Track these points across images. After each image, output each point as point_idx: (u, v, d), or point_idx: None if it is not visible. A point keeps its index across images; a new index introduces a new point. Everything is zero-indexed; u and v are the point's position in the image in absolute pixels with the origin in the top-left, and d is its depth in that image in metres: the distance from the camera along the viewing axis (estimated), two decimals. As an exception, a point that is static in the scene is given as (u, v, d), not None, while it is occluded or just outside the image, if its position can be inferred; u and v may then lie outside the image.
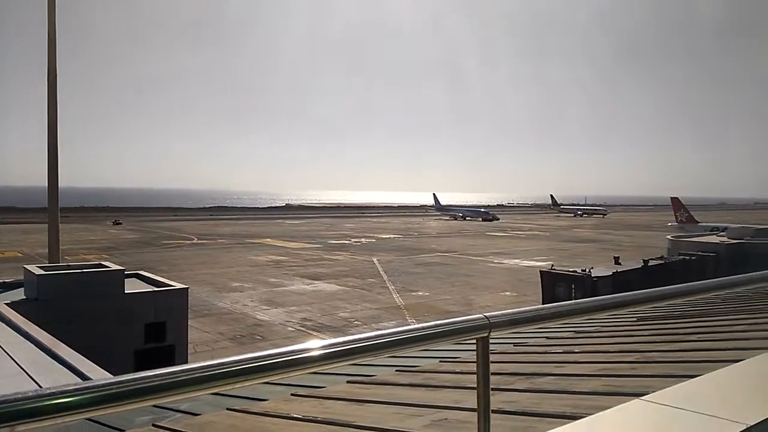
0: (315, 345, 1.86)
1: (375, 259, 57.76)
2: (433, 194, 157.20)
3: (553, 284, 31.66)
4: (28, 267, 18.40)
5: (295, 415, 4.42)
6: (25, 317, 14.06)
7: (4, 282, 20.12)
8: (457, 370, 5.96)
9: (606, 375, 4.85)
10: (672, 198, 77.00)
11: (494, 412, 2.71)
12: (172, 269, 46.15)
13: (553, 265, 36.17)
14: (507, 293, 40.34)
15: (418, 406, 4.36)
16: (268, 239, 78.51)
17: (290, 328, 30.25)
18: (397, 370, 6.46)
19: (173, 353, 18.02)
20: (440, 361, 6.82)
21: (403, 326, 2.14)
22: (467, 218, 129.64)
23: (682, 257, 36.77)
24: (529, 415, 3.56)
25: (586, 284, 29.54)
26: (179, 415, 4.91)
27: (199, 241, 75.54)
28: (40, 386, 1.63)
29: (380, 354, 2.09)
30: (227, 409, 4.88)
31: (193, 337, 23.31)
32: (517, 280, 45.03)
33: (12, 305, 15.42)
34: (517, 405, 3.87)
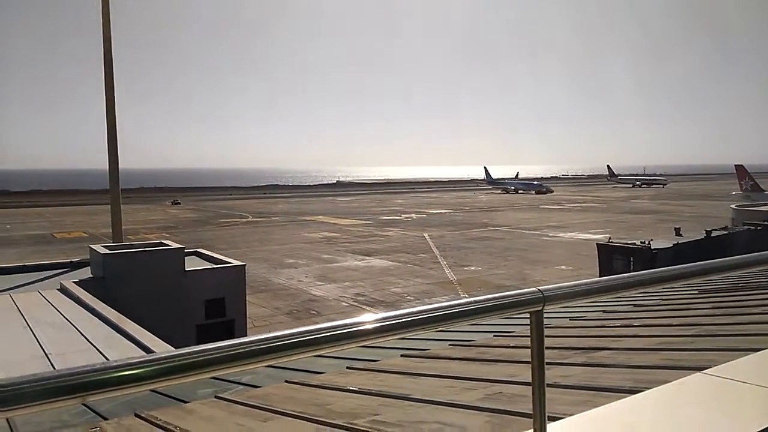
0: (369, 318, 1.87)
1: (426, 235, 57.72)
2: (485, 167, 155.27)
3: (611, 257, 30.83)
4: (94, 247, 19.26)
5: (351, 388, 4.50)
6: (92, 295, 14.80)
7: (72, 261, 21.18)
8: (511, 345, 5.92)
9: (666, 349, 4.73)
10: (736, 165, 73.27)
11: (550, 386, 2.68)
12: (229, 247, 47.46)
13: (610, 238, 35.25)
14: (562, 267, 39.63)
15: (471, 380, 4.36)
16: (320, 216, 79.55)
17: (344, 303, 30.72)
18: (450, 345, 6.47)
19: (233, 328, 18.62)
20: (494, 336, 6.79)
21: (456, 300, 2.13)
22: (519, 191, 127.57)
23: (747, 227, 35.06)
24: (586, 389, 3.50)
25: (645, 257, 28.63)
26: (240, 387, 5.07)
27: (254, 219, 77.29)
28: (107, 360, 1.71)
29: (433, 327, 2.08)
30: (286, 381, 5.01)
31: (251, 312, 23.99)
32: (573, 254, 44.15)
33: (80, 283, 16.24)
34: (574, 379, 3.81)
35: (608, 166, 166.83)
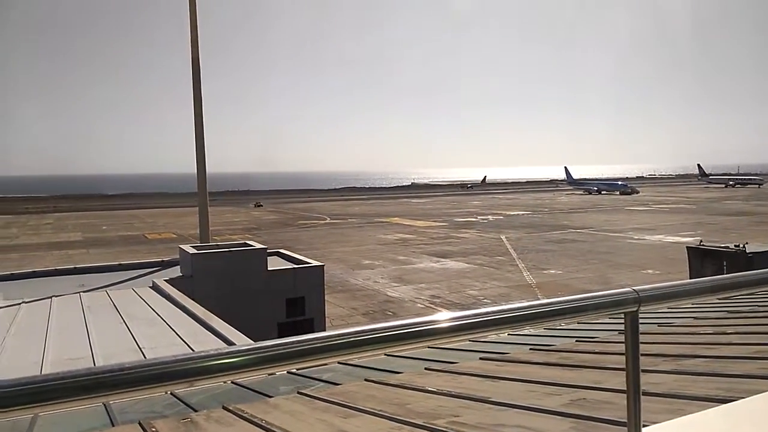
0: (444, 317, 1.85)
1: (503, 237, 56.74)
2: (565, 167, 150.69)
3: (702, 261, 29.11)
4: (183, 247, 20.28)
5: (429, 388, 4.49)
6: (181, 292, 15.58)
7: (163, 261, 22.41)
8: (595, 350, 5.72)
9: (762, 358, 4.42)
10: None
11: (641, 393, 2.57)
12: (308, 248, 48.62)
13: (701, 241, 33.26)
14: (649, 271, 37.82)
15: (554, 385, 4.24)
16: (396, 218, 79.95)
17: (420, 305, 30.72)
18: (531, 349, 6.33)
19: (313, 326, 19.08)
20: (576, 341, 6.58)
21: (541, 300, 2.06)
22: (603, 192, 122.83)
23: None
24: (677, 398, 3.34)
25: (739, 261, 26.81)
26: (321, 384, 5.18)
27: (332, 221, 78.77)
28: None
29: (516, 327, 2.02)
30: (365, 380, 5.07)
31: (329, 311, 24.47)
32: (661, 258, 42.03)
33: (170, 281, 17.16)
34: (664, 387, 3.64)
35: (699, 165, 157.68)
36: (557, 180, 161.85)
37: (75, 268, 21.88)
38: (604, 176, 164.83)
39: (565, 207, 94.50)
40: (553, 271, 38.94)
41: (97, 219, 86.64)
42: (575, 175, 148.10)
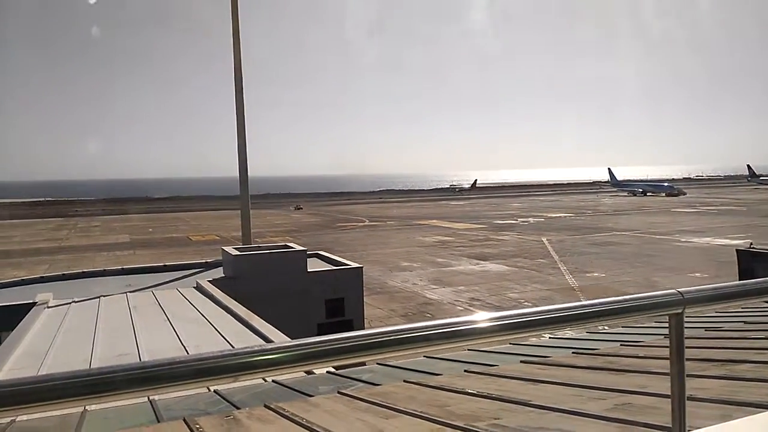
0: (484, 317, 1.83)
1: (544, 239, 55.89)
2: (608, 169, 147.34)
3: (752, 264, 28.06)
4: (226, 249, 20.69)
5: (469, 390, 4.46)
6: (224, 292, 15.89)
7: (206, 262, 22.90)
8: (640, 354, 5.59)
9: None
10: None
11: (687, 398, 2.50)
12: (347, 249, 48.90)
13: (752, 243, 32.07)
14: (697, 275, 36.65)
15: (598, 389, 4.16)
16: (435, 220, 79.69)
17: (459, 308, 30.55)
18: (573, 353, 6.22)
19: (351, 328, 19.17)
20: (620, 345, 6.44)
21: (583, 301, 2.02)
22: (648, 194, 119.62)
23: None
24: (725, 403, 3.24)
25: (794, 265, 25.76)
26: (360, 384, 5.21)
27: (371, 223, 79.06)
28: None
29: (558, 329, 1.99)
30: (404, 381, 5.07)
31: (368, 313, 24.55)
32: (709, 261, 40.68)
33: (213, 282, 17.52)
34: (711, 392, 3.53)
35: (748, 165, 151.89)
36: (600, 182, 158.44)
37: (122, 268, 22.58)
38: (649, 177, 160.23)
39: (609, 209, 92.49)
40: (596, 274, 38.15)
41: (143, 221, 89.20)
42: (619, 177, 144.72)
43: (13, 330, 12.39)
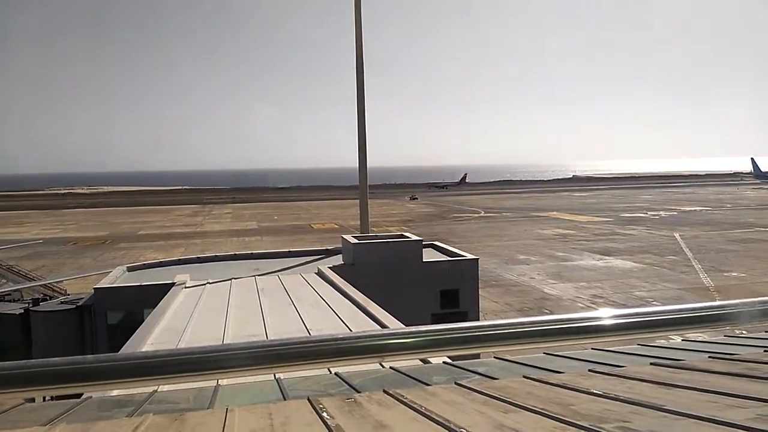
0: (609, 314, 1.72)
1: (677, 235, 52.01)
2: (751, 159, 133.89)
3: None
4: (345, 237, 21.31)
5: (595, 391, 4.26)
6: (343, 278, 16.39)
7: (327, 249, 23.75)
8: None
9: None
10: None
11: None
12: (462, 241, 48.58)
13: None
14: None
15: (738, 397, 3.80)
16: (555, 212, 76.89)
17: (580, 304, 29.29)
18: (709, 357, 5.74)
19: (466, 319, 19.03)
20: (764, 351, 5.84)
21: (723, 301, 1.83)
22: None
23: None
24: None
25: None
26: (477, 377, 5.14)
27: (486, 215, 77.90)
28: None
29: (691, 330, 1.82)
30: (524, 376, 4.95)
31: (482, 305, 24.23)
32: None
33: (333, 268, 18.12)
34: None
35: None
36: (742, 173, 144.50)
37: (251, 253, 24.00)
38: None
39: (751, 203, 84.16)
40: (735, 274, 34.93)
41: (269, 209, 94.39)
42: (764, 168, 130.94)
43: (155, 307, 13.61)
